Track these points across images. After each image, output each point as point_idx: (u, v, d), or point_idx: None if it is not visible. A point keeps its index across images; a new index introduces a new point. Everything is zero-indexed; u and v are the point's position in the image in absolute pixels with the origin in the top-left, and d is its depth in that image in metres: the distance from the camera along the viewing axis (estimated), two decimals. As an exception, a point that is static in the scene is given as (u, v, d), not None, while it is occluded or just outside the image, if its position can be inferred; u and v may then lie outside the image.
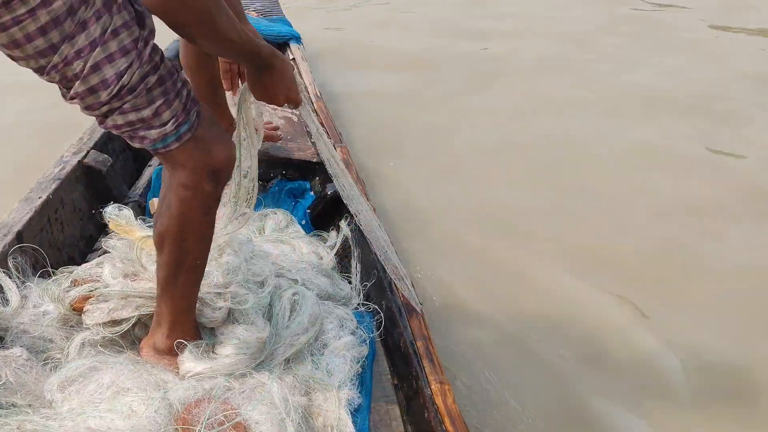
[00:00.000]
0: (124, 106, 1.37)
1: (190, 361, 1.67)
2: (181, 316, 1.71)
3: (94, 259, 2.12)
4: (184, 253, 1.60)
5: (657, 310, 2.75)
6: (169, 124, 1.43)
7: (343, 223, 2.49)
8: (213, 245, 1.73)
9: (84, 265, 1.96)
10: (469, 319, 2.69)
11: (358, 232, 2.42)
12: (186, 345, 1.71)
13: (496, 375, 2.38)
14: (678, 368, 2.48)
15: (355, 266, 2.31)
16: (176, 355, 1.73)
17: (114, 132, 1.46)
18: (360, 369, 1.90)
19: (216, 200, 1.58)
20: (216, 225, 1.66)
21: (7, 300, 1.73)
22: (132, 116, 1.39)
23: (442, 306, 2.71)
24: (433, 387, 1.77)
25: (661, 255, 3.14)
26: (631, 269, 3.02)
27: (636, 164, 3.98)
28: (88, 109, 1.39)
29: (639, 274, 2.98)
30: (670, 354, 2.54)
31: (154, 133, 1.43)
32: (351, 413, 1.76)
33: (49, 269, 1.96)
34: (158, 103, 1.40)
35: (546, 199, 3.57)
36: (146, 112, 1.40)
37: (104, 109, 1.37)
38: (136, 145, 1.46)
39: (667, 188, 3.72)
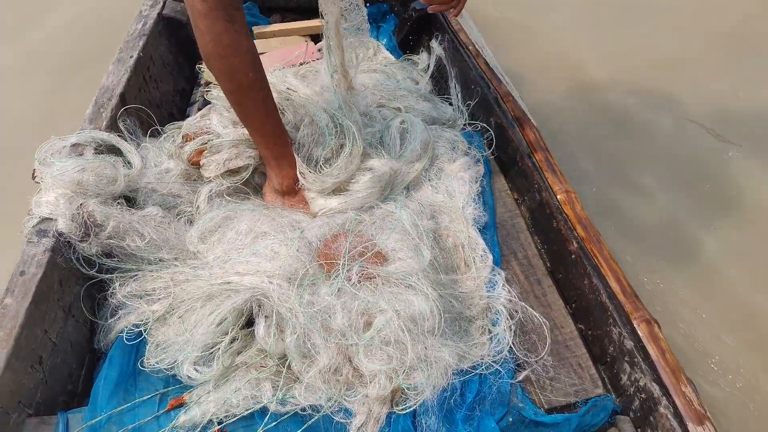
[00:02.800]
0: None
1: (321, 198, 1.69)
2: (276, 146, 1.69)
3: (194, 111, 2.12)
4: (233, 69, 1.50)
5: None
6: None
7: (434, 43, 2.36)
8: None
9: (189, 119, 1.95)
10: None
11: (451, 49, 2.30)
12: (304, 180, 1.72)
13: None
14: None
15: (454, 86, 2.23)
16: (296, 191, 1.76)
17: None
18: (479, 188, 1.89)
19: (234, 7, 1.46)
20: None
21: (129, 162, 1.76)
22: None
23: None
24: (559, 197, 1.74)
25: None
26: None
27: None
28: None
29: None
30: None
31: None
32: (479, 230, 1.77)
33: (158, 127, 1.97)
34: None
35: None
36: None
37: None
38: None
39: None
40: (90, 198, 1.57)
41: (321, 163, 1.72)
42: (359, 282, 1.51)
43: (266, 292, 1.47)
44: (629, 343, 1.49)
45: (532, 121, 1.96)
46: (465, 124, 2.13)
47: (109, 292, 1.57)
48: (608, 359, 1.56)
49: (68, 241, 1.52)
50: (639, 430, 1.46)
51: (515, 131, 1.95)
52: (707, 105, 2.91)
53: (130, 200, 1.72)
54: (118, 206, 1.60)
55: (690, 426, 1.32)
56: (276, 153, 1.70)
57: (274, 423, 1.38)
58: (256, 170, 1.82)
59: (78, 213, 1.53)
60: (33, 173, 1.64)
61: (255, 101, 1.58)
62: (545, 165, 1.82)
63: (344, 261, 1.53)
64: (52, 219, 1.53)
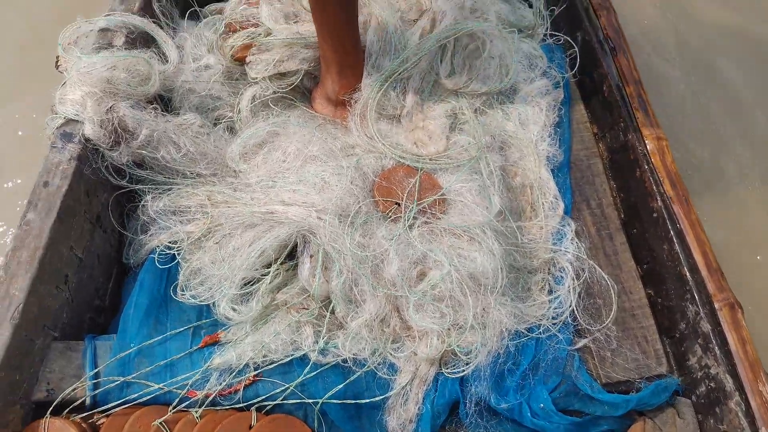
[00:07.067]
0: None
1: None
2: (345, 53, 1.46)
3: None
4: None
5: None
6: None
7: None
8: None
9: (232, 2, 1.69)
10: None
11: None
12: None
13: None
14: None
15: (537, -16, 1.92)
16: (352, 104, 1.55)
17: None
18: (556, 118, 1.66)
19: None
20: None
21: (164, 55, 1.54)
22: None
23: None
24: (649, 143, 1.53)
25: None
26: None
27: None
28: None
29: None
30: None
31: None
32: (552, 171, 1.58)
33: (196, 8, 1.72)
34: None
35: None
36: None
37: None
38: None
39: None
40: (121, 100, 1.37)
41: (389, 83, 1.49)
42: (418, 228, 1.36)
43: (313, 228, 1.32)
44: (706, 326, 1.35)
45: (627, 43, 1.69)
46: (545, 35, 1.84)
47: (140, 204, 1.43)
48: (677, 335, 1.43)
49: (96, 149, 1.36)
50: (700, 416, 1.36)
51: (605, 53, 1.68)
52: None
53: (163, 99, 1.53)
54: (152, 111, 1.41)
55: (763, 430, 1.22)
56: (341, 59, 1.47)
57: (314, 373, 1.28)
58: (307, 73, 1.60)
59: (107, 118, 1.34)
60: (56, 61, 1.43)
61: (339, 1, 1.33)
62: (636, 101, 1.59)
63: (410, 204, 1.36)
64: (77, 121, 1.35)
